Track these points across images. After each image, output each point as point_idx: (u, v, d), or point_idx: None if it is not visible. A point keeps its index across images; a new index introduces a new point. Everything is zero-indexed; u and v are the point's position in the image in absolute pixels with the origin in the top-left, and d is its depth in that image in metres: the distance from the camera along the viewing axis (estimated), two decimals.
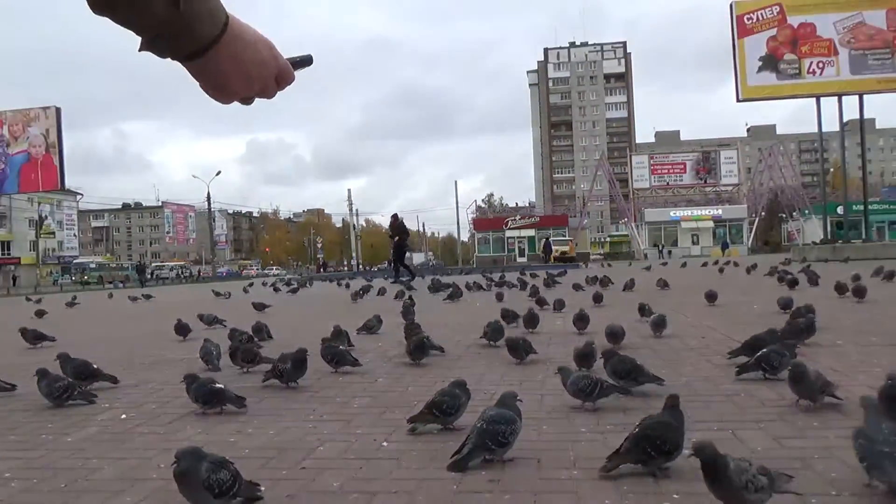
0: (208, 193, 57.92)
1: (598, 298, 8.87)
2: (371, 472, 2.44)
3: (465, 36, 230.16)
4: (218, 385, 3.43)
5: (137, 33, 0.78)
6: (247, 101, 0.95)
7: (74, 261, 70.38)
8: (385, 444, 2.80)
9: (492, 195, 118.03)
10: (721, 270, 16.17)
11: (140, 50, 0.79)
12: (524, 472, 2.36)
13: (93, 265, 59.55)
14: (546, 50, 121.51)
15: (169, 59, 0.80)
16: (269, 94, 0.96)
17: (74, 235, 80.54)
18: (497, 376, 4.15)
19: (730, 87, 36.06)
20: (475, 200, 76.12)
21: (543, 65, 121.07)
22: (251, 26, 0.90)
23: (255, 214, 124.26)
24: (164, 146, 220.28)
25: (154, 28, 0.77)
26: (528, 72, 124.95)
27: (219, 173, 60.75)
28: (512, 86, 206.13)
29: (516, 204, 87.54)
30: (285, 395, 3.84)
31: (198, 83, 0.88)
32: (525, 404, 3.33)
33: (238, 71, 0.88)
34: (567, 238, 52.91)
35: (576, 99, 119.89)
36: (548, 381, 3.88)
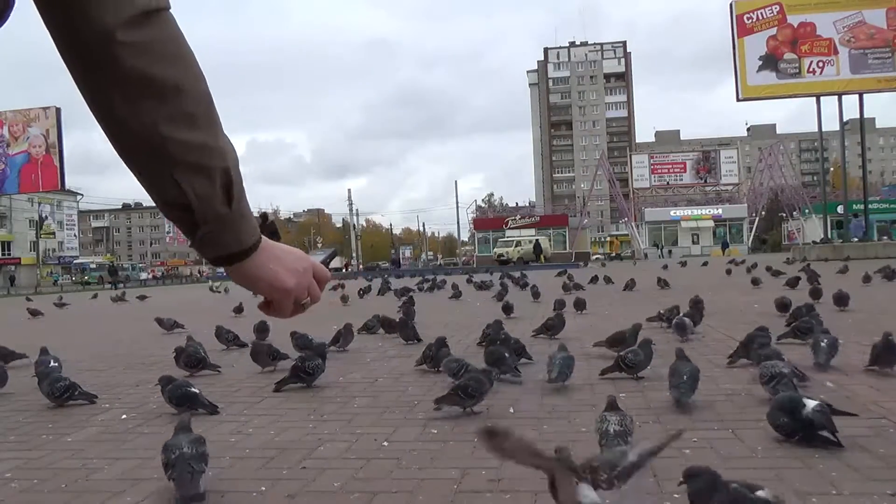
0: None
1: (569, 305, 7.58)
2: (371, 472, 2.44)
3: (464, 35, 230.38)
4: (193, 389, 3.43)
5: (187, 232, 0.86)
6: (301, 307, 1.01)
7: (74, 261, 70.37)
8: (385, 443, 2.80)
9: (492, 195, 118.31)
10: (728, 272, 15.44)
11: (191, 246, 0.87)
12: (525, 471, 2.35)
13: (93, 265, 59.53)
14: (546, 49, 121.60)
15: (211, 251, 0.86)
16: (316, 295, 1.02)
17: (75, 236, 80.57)
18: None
19: (730, 86, 36.07)
20: (475, 200, 76.29)
21: (543, 64, 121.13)
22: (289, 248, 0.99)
23: (255, 214, 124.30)
24: None
25: (207, 224, 0.84)
26: (527, 71, 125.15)
27: None
28: (511, 85, 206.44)
29: (516, 204, 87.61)
30: (285, 395, 3.84)
31: (256, 294, 0.95)
32: (524, 404, 3.35)
33: (285, 268, 0.95)
34: (511, 238, 52.09)
35: (576, 98, 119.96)
36: (545, 382, 3.87)
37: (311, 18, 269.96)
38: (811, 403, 2.50)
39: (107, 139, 0.81)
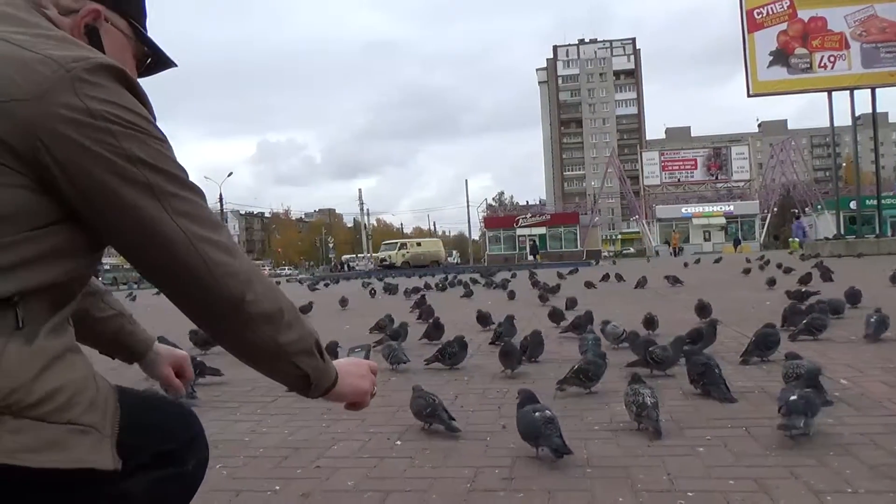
0: (220, 194, 58.24)
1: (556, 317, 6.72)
2: (385, 471, 2.45)
3: (472, 35, 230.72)
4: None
5: (301, 388, 1.14)
6: (371, 396, 1.31)
7: None
8: (398, 442, 2.81)
9: (502, 193, 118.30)
10: (747, 272, 14.11)
11: (289, 390, 1.15)
12: (537, 470, 2.37)
13: (107, 266, 59.88)
14: (555, 47, 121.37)
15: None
16: (374, 386, 1.32)
17: None
18: (510, 374, 4.14)
19: (740, 82, 35.81)
20: (486, 199, 76.15)
21: (552, 62, 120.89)
22: (339, 361, 1.27)
23: (266, 215, 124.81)
24: (175, 147, 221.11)
25: (317, 380, 1.13)
26: (537, 69, 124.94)
27: (230, 174, 61.17)
28: (520, 84, 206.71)
29: (527, 202, 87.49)
30: (298, 395, 3.85)
31: (341, 403, 1.26)
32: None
33: (358, 378, 1.25)
34: (395, 241, 50.90)
35: (585, 96, 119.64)
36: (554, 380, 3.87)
37: (320, 20, 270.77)
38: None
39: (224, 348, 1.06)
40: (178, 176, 0.96)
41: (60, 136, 0.86)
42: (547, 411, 2.51)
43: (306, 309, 9.38)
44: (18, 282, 0.86)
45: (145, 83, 1.25)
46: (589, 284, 12.13)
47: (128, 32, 1.13)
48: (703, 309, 6.16)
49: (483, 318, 6.64)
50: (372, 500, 2.17)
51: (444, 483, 2.29)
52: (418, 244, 47.03)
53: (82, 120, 0.87)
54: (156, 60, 1.20)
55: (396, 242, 48.41)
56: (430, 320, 6.16)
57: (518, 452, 2.55)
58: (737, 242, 50.20)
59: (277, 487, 2.33)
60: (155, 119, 0.98)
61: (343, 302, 10.36)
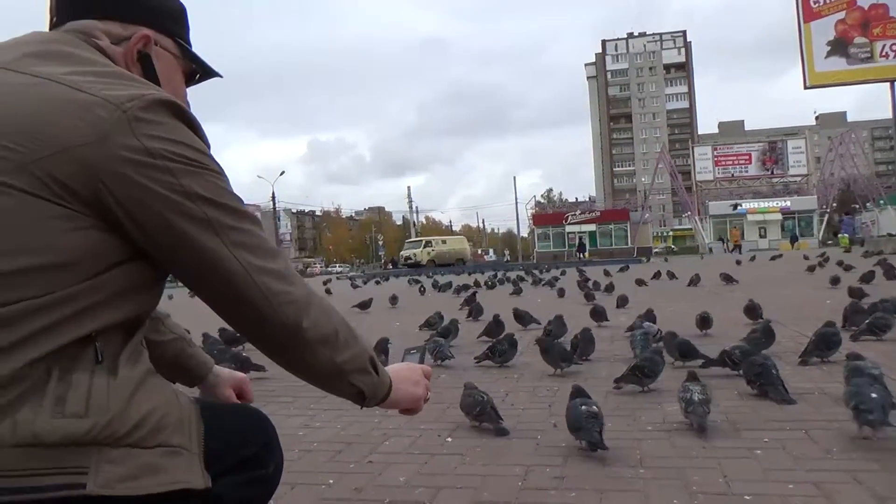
0: (273, 193, 59.47)
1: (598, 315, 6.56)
2: (436, 468, 2.47)
3: (519, 31, 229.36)
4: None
5: (356, 401, 1.16)
6: (424, 401, 1.32)
7: None
8: (449, 439, 2.82)
9: (551, 190, 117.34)
10: (811, 269, 13.48)
11: (355, 403, 1.18)
12: (589, 469, 2.35)
13: None
14: (604, 42, 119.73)
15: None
16: (428, 390, 1.33)
17: None
18: (560, 372, 4.12)
19: (796, 73, 34.78)
20: (534, 196, 75.53)
21: (601, 57, 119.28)
22: (393, 367, 1.28)
23: (317, 213, 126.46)
24: (230, 148, 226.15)
25: (372, 393, 1.16)
26: (585, 64, 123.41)
27: (282, 173, 62.40)
28: (568, 80, 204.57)
29: (576, 199, 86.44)
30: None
31: (396, 409, 1.28)
32: None
33: (412, 384, 1.27)
34: (420, 238, 49.77)
35: (635, 91, 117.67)
36: (610, 379, 3.83)
37: (371, 20, 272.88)
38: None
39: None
40: (235, 208, 0.98)
41: (121, 177, 0.88)
42: (593, 406, 2.55)
43: (366, 304, 9.55)
44: (97, 321, 0.90)
45: (205, 89, 1.30)
46: (640, 282, 11.97)
47: (175, 52, 1.16)
48: (752, 310, 5.97)
49: (520, 317, 6.57)
50: (423, 496, 2.18)
51: (495, 481, 2.29)
52: (443, 242, 45.92)
53: (141, 160, 0.89)
54: (202, 73, 1.23)
55: (421, 240, 47.21)
56: (492, 317, 6.05)
57: (569, 452, 2.54)
58: (794, 239, 48.73)
59: (331, 481, 2.37)
60: (209, 147, 1.01)
61: (393, 299, 10.44)
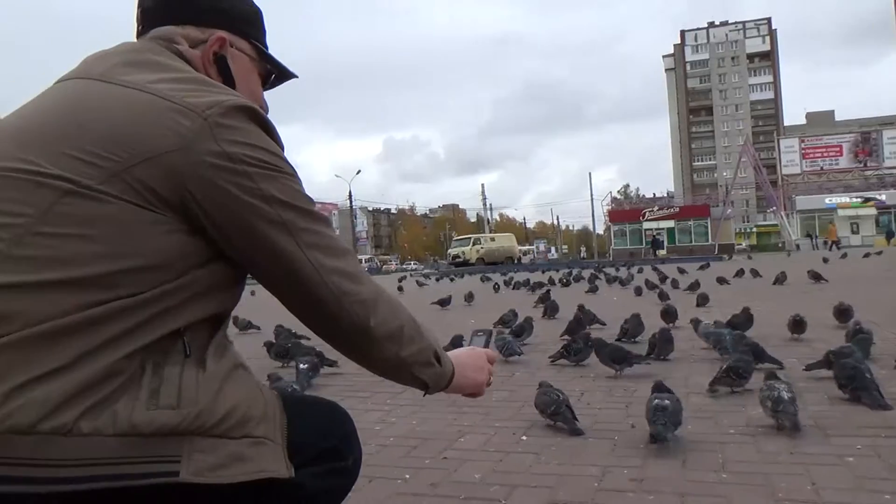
0: (349, 192, 60.63)
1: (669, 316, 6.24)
2: (511, 465, 2.46)
3: (593, 24, 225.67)
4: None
5: (419, 388, 1.22)
6: (487, 386, 1.37)
7: None
8: (524, 438, 2.81)
9: (627, 186, 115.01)
10: None
11: (425, 395, 1.27)
12: (669, 472, 2.30)
13: None
14: (683, 32, 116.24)
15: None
16: (491, 375, 1.37)
17: None
18: (637, 372, 4.04)
19: (891, 60, 32.75)
20: (610, 192, 74.00)
21: (680, 48, 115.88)
22: (458, 352, 1.33)
23: (392, 211, 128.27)
24: (308, 147, 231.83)
25: (434, 384, 1.21)
26: (663, 56, 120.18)
27: (359, 172, 63.46)
28: (645, 72, 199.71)
29: (654, 194, 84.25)
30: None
31: (460, 394, 1.32)
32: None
33: (474, 372, 1.31)
34: (468, 236, 47.92)
35: (716, 82, 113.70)
36: (691, 378, 3.73)
37: (442, 18, 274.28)
38: None
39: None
40: (308, 210, 1.03)
41: (204, 181, 0.93)
42: (665, 400, 2.56)
43: (445, 301, 9.70)
44: (184, 318, 0.95)
45: (284, 89, 1.34)
46: (721, 280, 11.58)
47: (251, 54, 1.20)
48: (843, 312, 5.55)
49: (578, 319, 6.45)
50: (498, 494, 2.18)
51: (570, 480, 2.27)
52: (492, 239, 44.86)
53: (222, 164, 0.94)
54: (278, 74, 1.27)
55: (469, 238, 45.92)
56: (576, 316, 5.98)
57: (648, 453, 2.49)
58: (890, 235, 45.99)
59: (407, 476, 2.40)
60: (283, 149, 1.05)
61: (469, 297, 10.45)
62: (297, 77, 1.32)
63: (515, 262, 40.63)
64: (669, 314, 6.19)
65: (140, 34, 1.15)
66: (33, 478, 0.82)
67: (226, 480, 0.92)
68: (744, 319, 5.27)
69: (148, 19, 1.15)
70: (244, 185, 0.95)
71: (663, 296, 8.78)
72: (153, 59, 1.05)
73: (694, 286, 9.84)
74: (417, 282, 18.54)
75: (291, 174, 1.03)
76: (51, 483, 0.82)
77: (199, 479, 0.90)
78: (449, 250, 46.20)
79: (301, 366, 4.25)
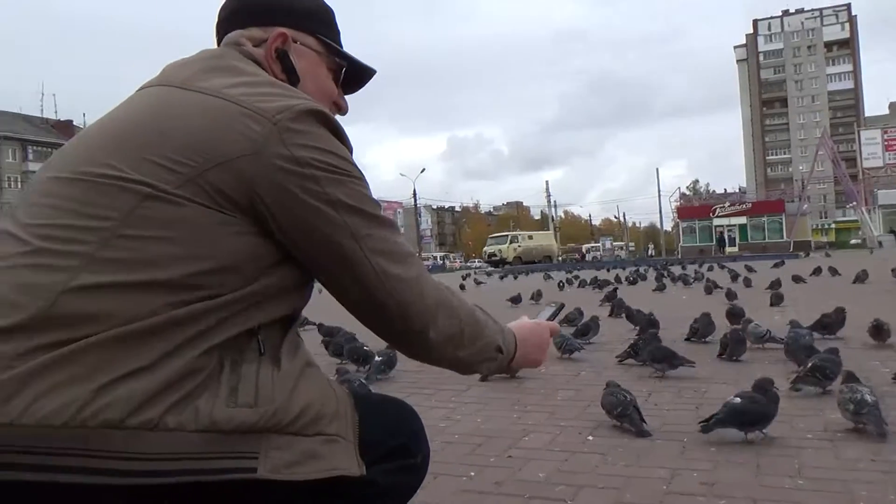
0: (414, 190, 61.19)
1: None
2: (576, 466, 2.44)
3: (661, 16, 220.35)
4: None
5: (485, 372, 1.26)
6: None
7: None
8: (590, 438, 2.78)
9: (697, 181, 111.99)
10: None
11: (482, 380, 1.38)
12: (742, 476, 2.23)
13: None
14: (755, 21, 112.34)
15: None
16: (546, 347, 1.38)
17: None
18: (707, 373, 3.94)
19: None
20: (678, 188, 72.05)
21: (752, 38, 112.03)
22: (522, 321, 1.36)
23: (456, 209, 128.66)
24: (374, 146, 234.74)
25: (495, 368, 1.25)
26: (735, 47, 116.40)
27: (423, 171, 64.05)
28: (714, 64, 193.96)
29: (724, 190, 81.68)
30: (490, 385, 3.95)
31: (521, 369, 1.35)
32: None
33: (536, 348, 1.33)
34: (504, 233, 45.93)
35: (791, 72, 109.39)
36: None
37: (504, 14, 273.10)
38: None
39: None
40: (373, 214, 1.04)
41: (272, 185, 0.95)
42: (736, 398, 2.58)
43: (517, 300, 9.84)
44: (256, 318, 0.98)
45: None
46: (797, 279, 11.15)
47: (318, 48, 1.21)
48: (878, 330, 4.60)
49: (631, 317, 6.31)
50: (564, 494, 2.16)
51: (638, 482, 2.23)
52: (530, 237, 43.57)
53: (290, 168, 0.96)
54: (352, 70, 1.27)
55: (506, 235, 44.28)
56: (644, 316, 5.85)
57: (720, 457, 2.42)
58: None
59: (472, 473, 2.40)
60: (352, 151, 1.06)
61: (538, 295, 10.36)
62: (374, 71, 1.31)
63: (553, 260, 39.66)
64: (735, 315, 5.97)
65: (218, 43, 1.20)
66: (126, 470, 0.85)
67: (300, 478, 0.94)
68: (836, 320, 5.01)
69: (221, 29, 1.20)
70: (311, 189, 0.97)
71: (731, 295, 8.49)
72: (228, 64, 1.08)
73: (775, 284, 9.46)
74: (476, 281, 18.48)
75: (359, 178, 1.04)
76: (141, 476, 0.86)
77: (276, 475, 0.92)
78: (485, 248, 45.03)
79: (377, 358, 4.32)
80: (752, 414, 2.52)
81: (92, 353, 0.86)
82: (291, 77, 1.16)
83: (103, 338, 0.87)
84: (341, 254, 1.01)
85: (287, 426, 0.95)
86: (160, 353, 0.88)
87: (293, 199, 0.97)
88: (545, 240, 44.21)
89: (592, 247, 66.03)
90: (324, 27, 1.23)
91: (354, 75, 1.29)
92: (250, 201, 0.95)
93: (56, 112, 67.37)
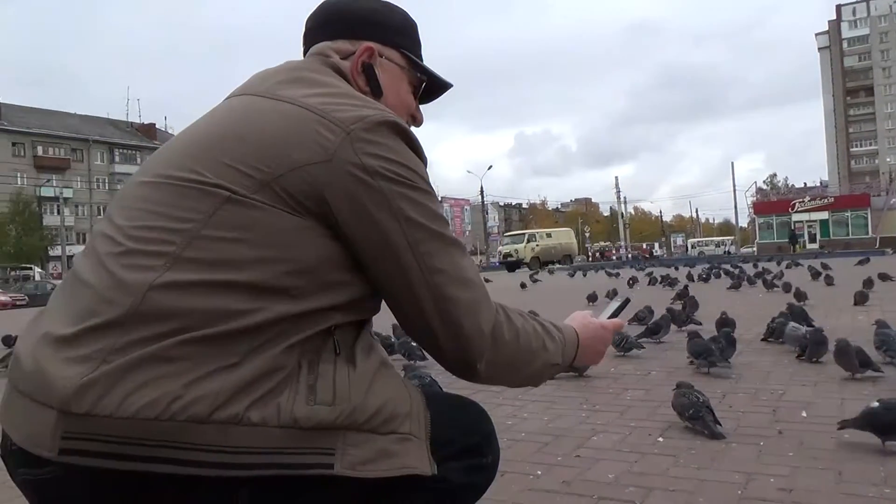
0: (481, 187, 61.20)
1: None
2: (647, 467, 2.39)
3: (735, 5, 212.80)
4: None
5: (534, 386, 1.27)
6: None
7: None
8: (660, 439, 2.72)
9: (774, 175, 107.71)
10: None
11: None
12: (822, 483, 2.14)
13: None
14: (838, 7, 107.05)
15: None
16: (608, 346, 1.39)
17: None
18: (785, 375, 3.79)
19: None
20: (755, 182, 69.41)
21: (835, 24, 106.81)
22: (588, 321, 1.35)
23: (523, 206, 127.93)
24: (442, 144, 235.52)
25: (553, 376, 1.27)
26: (816, 34, 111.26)
27: (490, 168, 63.99)
28: (794, 53, 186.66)
29: (804, 184, 78.17)
30: (557, 383, 3.92)
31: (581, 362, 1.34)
32: (821, 407, 3.02)
33: (595, 353, 1.34)
34: (521, 232, 43.44)
35: (878, 59, 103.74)
36: (849, 383, 3.45)
37: (575, 9, 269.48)
38: None
39: None
40: (438, 232, 1.04)
41: (341, 192, 0.98)
42: (882, 405, 2.44)
43: (593, 297, 9.79)
44: (335, 318, 1.00)
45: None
46: (884, 277, 10.59)
47: (401, 63, 1.24)
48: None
49: (674, 317, 6.02)
50: (634, 496, 2.13)
51: (711, 486, 2.17)
52: (548, 235, 40.71)
53: (359, 176, 0.98)
54: (431, 84, 1.29)
55: (524, 234, 41.08)
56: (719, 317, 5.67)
57: (798, 462, 2.33)
58: None
59: (540, 472, 2.39)
60: (426, 164, 1.07)
61: (613, 293, 10.19)
62: (451, 86, 1.33)
63: (573, 259, 38.08)
64: (797, 315, 5.68)
65: (304, 54, 1.24)
66: (213, 462, 0.89)
67: (373, 475, 0.96)
68: None
69: (308, 39, 1.24)
70: (377, 200, 0.99)
71: (800, 295, 7.98)
72: (310, 76, 1.11)
73: (868, 283, 8.99)
74: (532, 279, 18.21)
75: (428, 192, 1.05)
76: (227, 468, 0.89)
77: (351, 472, 0.94)
78: (499, 248, 42.73)
79: None
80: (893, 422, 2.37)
81: (181, 350, 0.90)
82: (375, 90, 1.19)
83: (190, 337, 0.90)
84: (398, 266, 1.01)
85: (363, 424, 0.97)
86: (244, 352, 0.92)
87: (360, 207, 0.98)
88: (565, 237, 41.47)
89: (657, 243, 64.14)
90: (408, 42, 1.25)
91: (432, 88, 1.31)
92: (320, 206, 0.98)
93: (140, 116, 70.69)
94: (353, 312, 1.03)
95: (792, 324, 4.71)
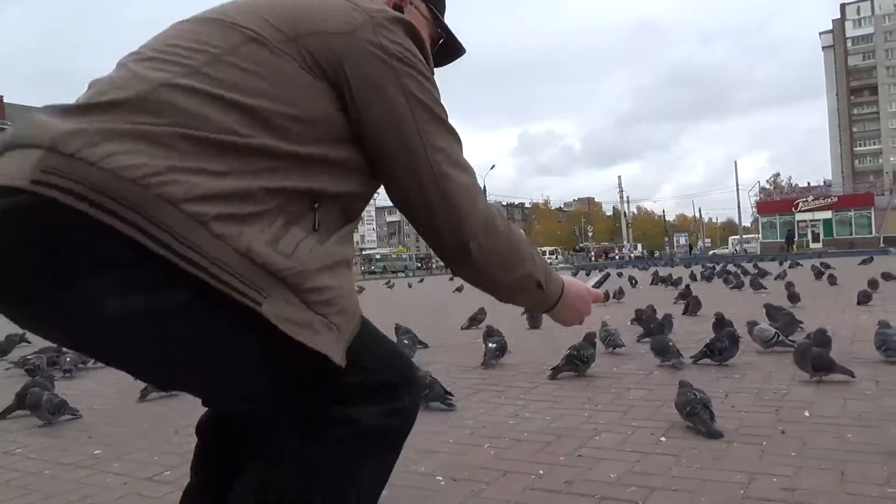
0: (484, 186, 60.84)
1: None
2: (649, 467, 2.39)
3: (740, 6, 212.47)
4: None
5: (522, 304, 1.34)
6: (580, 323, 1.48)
7: (362, 252, 78.65)
8: (663, 439, 2.72)
9: (778, 175, 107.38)
10: None
11: (523, 314, 1.49)
12: (824, 483, 2.13)
13: (377, 256, 65.37)
14: (843, 6, 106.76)
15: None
16: (588, 312, 1.47)
17: (373, 230, 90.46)
18: (787, 375, 3.78)
19: None
20: (758, 181, 69.06)
21: (839, 23, 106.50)
22: (574, 280, 1.42)
23: (526, 205, 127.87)
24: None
25: (535, 303, 1.34)
26: (820, 33, 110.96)
27: (493, 167, 63.98)
28: (798, 53, 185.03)
29: (808, 183, 77.89)
30: (559, 383, 3.92)
31: (555, 319, 1.43)
32: (824, 407, 3.01)
33: (574, 310, 1.42)
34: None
35: (882, 58, 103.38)
36: (852, 384, 3.44)
37: (580, 8, 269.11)
38: None
39: None
40: (440, 117, 1.13)
41: (357, 62, 1.07)
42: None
43: (619, 293, 9.96)
44: (317, 182, 1.05)
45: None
46: (887, 276, 10.57)
47: (427, 15, 1.37)
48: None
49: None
50: (636, 496, 2.12)
51: (713, 486, 2.16)
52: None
53: (376, 53, 1.08)
54: (447, 44, 1.41)
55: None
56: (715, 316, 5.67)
57: (802, 462, 2.33)
58: None
59: (541, 472, 2.39)
60: (431, 70, 1.16)
61: (619, 293, 10.15)
62: (465, 50, 1.45)
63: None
64: (771, 315, 5.66)
65: None
66: (165, 243, 0.91)
67: (292, 335, 0.98)
68: None
69: None
70: (389, 75, 1.08)
71: (794, 297, 7.86)
72: None
73: (874, 284, 8.96)
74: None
75: (433, 83, 1.14)
76: (178, 256, 0.92)
77: (275, 321, 0.97)
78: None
79: (490, 345, 4.36)
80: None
81: (175, 140, 0.96)
82: None
83: (187, 132, 0.97)
84: (401, 140, 1.09)
85: (303, 293, 1.00)
86: (229, 168, 0.98)
87: (372, 78, 1.07)
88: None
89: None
90: (437, 0, 1.39)
91: (447, 49, 1.42)
92: (335, 71, 1.07)
93: None
94: (340, 185, 1.08)
95: (761, 325, 4.73)
